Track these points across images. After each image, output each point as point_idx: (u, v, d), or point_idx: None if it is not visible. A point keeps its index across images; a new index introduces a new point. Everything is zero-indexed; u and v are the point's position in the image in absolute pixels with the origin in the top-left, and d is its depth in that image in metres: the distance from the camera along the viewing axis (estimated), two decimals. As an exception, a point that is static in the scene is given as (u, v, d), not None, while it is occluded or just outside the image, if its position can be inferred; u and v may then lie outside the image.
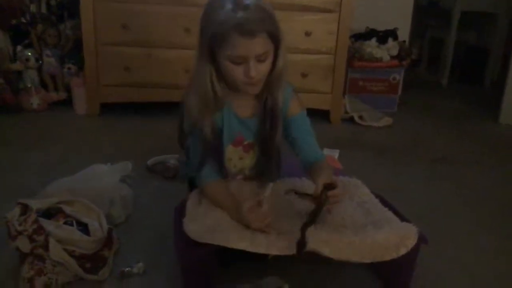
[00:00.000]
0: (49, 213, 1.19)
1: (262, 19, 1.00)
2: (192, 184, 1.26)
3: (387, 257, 1.02)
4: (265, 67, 1.05)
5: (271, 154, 1.19)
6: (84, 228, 1.17)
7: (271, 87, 1.11)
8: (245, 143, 1.20)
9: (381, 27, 2.73)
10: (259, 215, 1.05)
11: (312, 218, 1.03)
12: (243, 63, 1.02)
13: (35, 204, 1.15)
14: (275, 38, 1.03)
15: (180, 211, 1.17)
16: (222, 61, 1.04)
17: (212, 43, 1.02)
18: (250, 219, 1.04)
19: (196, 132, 1.13)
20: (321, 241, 1.01)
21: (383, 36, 2.66)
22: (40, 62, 2.52)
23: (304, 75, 2.35)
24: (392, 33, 2.69)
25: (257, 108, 1.17)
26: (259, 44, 1.00)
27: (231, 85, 1.09)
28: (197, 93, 1.09)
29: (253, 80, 1.04)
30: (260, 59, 1.03)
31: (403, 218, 1.16)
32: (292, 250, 1.00)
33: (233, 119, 1.16)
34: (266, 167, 1.22)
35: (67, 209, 1.20)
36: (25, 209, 1.14)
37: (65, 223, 1.16)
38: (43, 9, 2.62)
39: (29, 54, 2.49)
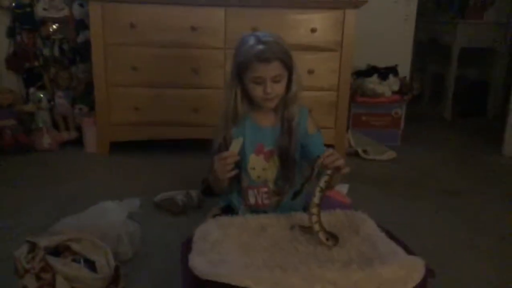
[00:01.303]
0: (57, 251, 1.21)
1: (276, 50, 1.27)
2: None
3: (395, 292, 1.02)
4: (279, 87, 1.30)
5: (288, 160, 1.36)
6: (91, 265, 1.18)
7: (288, 104, 1.35)
8: (266, 150, 1.38)
9: (381, 64, 2.80)
10: (223, 158, 1.22)
11: (310, 174, 1.19)
12: (262, 84, 1.28)
13: (43, 241, 1.17)
14: (287, 65, 1.30)
15: (187, 247, 1.17)
16: (246, 83, 1.31)
17: (239, 69, 1.30)
18: (216, 164, 1.24)
19: (217, 145, 1.35)
20: (327, 282, 1.00)
21: (384, 73, 2.72)
22: (52, 103, 2.60)
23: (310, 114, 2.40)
24: (392, 70, 2.75)
25: (276, 120, 1.38)
26: (273, 69, 1.27)
27: (254, 101, 1.34)
28: (223, 110, 1.36)
29: (269, 96, 1.29)
30: (275, 80, 1.28)
31: (409, 251, 1.16)
32: None
33: (254, 128, 1.37)
34: (287, 179, 1.38)
35: (75, 246, 1.21)
36: (33, 246, 1.15)
37: (73, 260, 1.17)
38: (56, 53, 2.72)
39: (41, 95, 2.58)
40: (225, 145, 1.34)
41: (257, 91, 1.30)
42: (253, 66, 1.26)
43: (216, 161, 1.25)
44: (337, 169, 1.17)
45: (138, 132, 2.43)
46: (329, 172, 1.16)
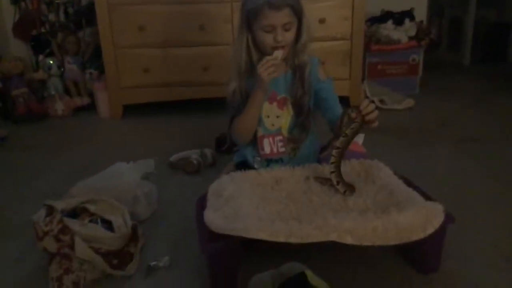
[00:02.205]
0: (75, 213, 1.22)
1: None
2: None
3: (414, 238, 1.00)
4: (289, 35, 1.29)
5: (302, 108, 1.37)
6: (109, 225, 1.19)
7: (298, 52, 1.34)
8: (279, 98, 1.38)
9: (396, 9, 2.67)
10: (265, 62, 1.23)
11: (339, 127, 1.19)
12: (272, 32, 1.26)
13: (60, 204, 1.18)
14: (297, 13, 1.28)
15: (202, 203, 1.17)
16: (256, 31, 1.29)
17: (249, 17, 1.28)
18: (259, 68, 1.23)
19: (233, 98, 1.36)
20: (344, 231, 0.99)
21: (399, 18, 2.60)
22: (62, 69, 2.59)
23: (321, 63, 2.32)
24: (408, 14, 2.63)
25: (287, 68, 1.37)
26: (284, 16, 1.25)
27: (264, 51, 1.32)
28: (234, 59, 1.34)
29: (279, 44, 1.27)
30: (285, 28, 1.27)
31: (428, 198, 1.13)
32: (312, 239, 0.99)
33: None
34: (303, 127, 1.39)
35: (92, 208, 1.22)
36: (51, 210, 1.16)
37: (90, 221, 1.18)
38: (62, 18, 2.68)
39: (51, 62, 2.56)
40: (240, 95, 1.34)
41: (267, 39, 1.28)
42: (264, 13, 1.24)
43: (259, 67, 1.24)
44: (368, 122, 1.17)
45: (149, 94, 2.41)
46: (358, 120, 1.16)
